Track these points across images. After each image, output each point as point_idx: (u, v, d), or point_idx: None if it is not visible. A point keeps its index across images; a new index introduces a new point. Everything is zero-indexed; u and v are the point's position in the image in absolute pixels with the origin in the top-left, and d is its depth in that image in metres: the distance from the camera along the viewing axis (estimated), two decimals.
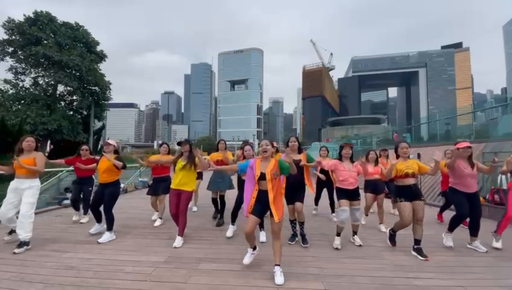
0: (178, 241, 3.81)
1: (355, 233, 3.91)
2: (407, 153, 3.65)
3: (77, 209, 5.27)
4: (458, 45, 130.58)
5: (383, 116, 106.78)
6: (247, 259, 3.08)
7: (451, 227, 3.79)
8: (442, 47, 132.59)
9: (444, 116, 14.96)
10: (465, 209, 3.65)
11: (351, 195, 3.75)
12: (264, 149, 2.88)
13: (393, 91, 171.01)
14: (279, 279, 2.65)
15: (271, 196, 2.80)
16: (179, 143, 4.18)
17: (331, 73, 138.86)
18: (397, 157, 3.74)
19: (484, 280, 2.74)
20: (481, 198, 5.65)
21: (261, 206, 2.85)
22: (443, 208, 5.38)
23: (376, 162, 5.04)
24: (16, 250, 3.47)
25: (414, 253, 3.46)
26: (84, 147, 5.40)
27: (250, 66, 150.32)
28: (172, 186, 4.08)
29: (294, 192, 3.78)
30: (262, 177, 2.81)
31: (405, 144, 3.69)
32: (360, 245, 3.78)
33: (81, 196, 5.29)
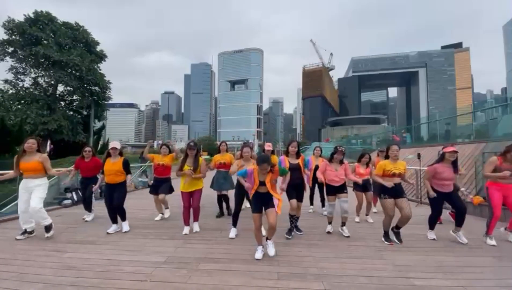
0: (196, 226, 4.49)
1: (343, 224, 4.32)
2: (397, 156, 3.97)
3: (88, 209, 5.39)
4: (458, 45, 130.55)
5: (383, 116, 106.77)
6: (259, 255, 3.30)
7: (430, 225, 4.22)
8: (442, 47, 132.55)
9: (444, 116, 14.97)
10: (440, 207, 4.12)
11: (338, 190, 4.26)
12: (264, 169, 3.22)
13: (393, 91, 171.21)
14: (271, 250, 3.33)
15: (275, 195, 3.32)
16: (189, 147, 4.45)
17: (331, 73, 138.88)
18: (387, 157, 4.09)
19: (484, 280, 2.74)
20: (480, 198, 5.68)
21: (260, 203, 3.34)
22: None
23: (367, 164, 5.34)
24: (47, 235, 4.02)
25: (391, 234, 3.97)
26: (87, 149, 5.41)
27: (250, 66, 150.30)
28: (182, 189, 4.40)
29: (295, 191, 4.14)
30: (261, 184, 3.30)
31: (396, 146, 4.01)
32: (348, 237, 4.15)
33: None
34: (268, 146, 5.33)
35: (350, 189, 4.93)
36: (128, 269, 2.95)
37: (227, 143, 5.96)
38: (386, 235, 4.00)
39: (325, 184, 4.35)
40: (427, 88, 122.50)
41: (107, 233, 4.32)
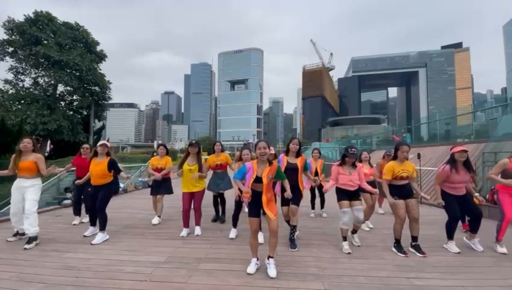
0: (198, 230, 4.37)
1: (355, 231, 3.91)
2: (407, 157, 3.65)
3: (77, 213, 5.13)
4: (458, 45, 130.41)
5: (383, 116, 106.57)
6: (252, 269, 2.91)
7: (449, 234, 3.73)
8: (442, 47, 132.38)
9: (444, 116, 14.96)
10: (456, 211, 3.64)
11: (352, 195, 3.77)
12: (262, 152, 2.89)
13: (393, 91, 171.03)
14: (272, 271, 2.79)
15: (264, 198, 2.89)
16: (190, 144, 4.47)
17: (331, 73, 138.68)
18: (395, 158, 3.71)
19: (484, 280, 2.74)
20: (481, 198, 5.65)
21: (256, 207, 2.93)
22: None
23: (370, 163, 5.07)
24: (27, 246, 3.65)
25: (412, 249, 3.56)
26: (85, 145, 5.38)
27: (250, 66, 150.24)
28: (184, 190, 4.36)
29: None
30: (258, 180, 2.89)
31: (406, 147, 3.64)
32: (358, 246, 3.80)
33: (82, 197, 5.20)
34: (271, 150, 4.94)
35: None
36: (128, 269, 2.95)
37: (223, 143, 5.73)
38: (398, 244, 3.61)
39: (336, 187, 3.90)
40: (427, 88, 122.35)
41: (84, 235, 4.18)
